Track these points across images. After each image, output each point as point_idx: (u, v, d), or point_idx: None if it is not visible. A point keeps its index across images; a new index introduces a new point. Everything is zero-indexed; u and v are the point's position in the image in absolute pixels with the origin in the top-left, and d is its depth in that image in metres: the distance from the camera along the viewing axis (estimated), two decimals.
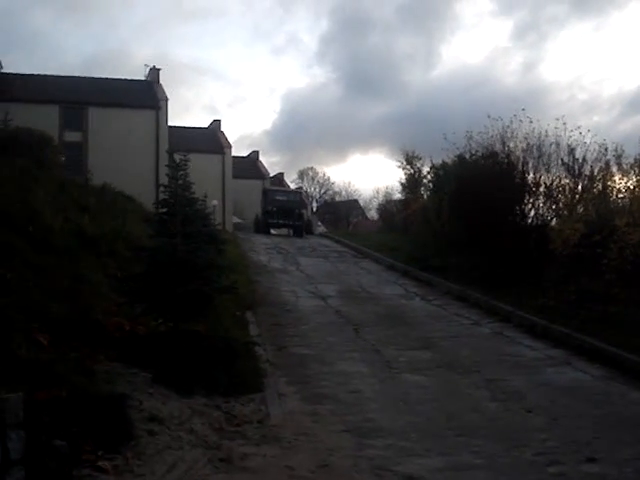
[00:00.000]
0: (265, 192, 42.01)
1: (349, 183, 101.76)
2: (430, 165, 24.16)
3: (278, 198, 39.82)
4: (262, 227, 37.92)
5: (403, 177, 31.61)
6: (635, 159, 16.26)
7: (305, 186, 74.37)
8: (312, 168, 73.78)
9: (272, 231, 38.47)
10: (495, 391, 8.30)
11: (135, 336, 8.78)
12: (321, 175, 74.77)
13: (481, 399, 8.02)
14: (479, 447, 6.46)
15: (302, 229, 37.80)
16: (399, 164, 31.56)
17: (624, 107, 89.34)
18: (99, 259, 11.91)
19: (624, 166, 16.43)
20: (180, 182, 9.46)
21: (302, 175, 73.36)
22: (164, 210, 9.85)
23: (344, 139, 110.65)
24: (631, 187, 14.94)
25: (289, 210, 37.94)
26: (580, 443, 6.56)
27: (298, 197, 42.80)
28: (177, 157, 9.58)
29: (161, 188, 10.08)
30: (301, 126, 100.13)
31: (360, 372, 9.14)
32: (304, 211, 40.86)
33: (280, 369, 9.10)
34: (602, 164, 16.59)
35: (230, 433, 6.58)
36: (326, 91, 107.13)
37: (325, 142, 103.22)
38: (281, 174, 63.29)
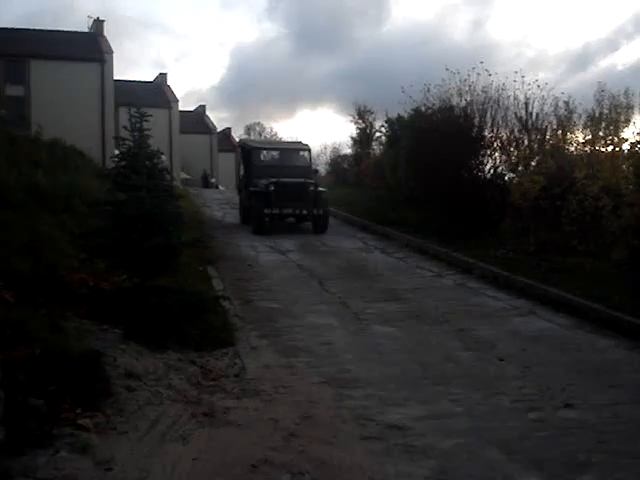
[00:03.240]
0: (248, 151, 20.91)
1: (296, 138, 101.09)
2: (385, 119, 24.03)
3: (273, 163, 20.28)
4: (256, 222, 18.31)
5: (354, 132, 31.38)
6: (588, 114, 16.53)
7: None
8: (259, 123, 72.96)
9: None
10: (466, 341, 8.39)
11: (101, 292, 8.59)
12: (268, 130, 74.06)
13: (453, 349, 8.09)
14: (457, 395, 6.53)
15: (325, 220, 18.83)
16: (351, 118, 31.30)
17: (569, 65, 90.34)
18: (56, 215, 11.60)
19: (575, 120, 16.70)
20: (138, 135, 9.21)
21: (249, 130, 72.47)
22: (123, 164, 9.60)
23: (293, 95, 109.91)
24: (587, 140, 15.12)
25: (298, 187, 18.63)
26: (555, 390, 6.67)
27: (306, 157, 21.04)
28: (129, 111, 9.25)
29: (120, 141, 9.78)
30: (250, 82, 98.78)
31: (330, 324, 9.13)
32: (320, 188, 19.65)
33: (250, 323, 9.02)
34: (556, 118, 16.82)
35: (209, 387, 6.51)
36: (276, 46, 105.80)
37: (274, 98, 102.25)
38: (228, 129, 62.45)
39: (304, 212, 18.26)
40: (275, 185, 18.00)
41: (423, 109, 18.65)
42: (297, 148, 21.24)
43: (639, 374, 7.30)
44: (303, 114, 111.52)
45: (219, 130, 57.14)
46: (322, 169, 42.68)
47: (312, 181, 18.94)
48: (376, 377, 7.07)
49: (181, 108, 44.17)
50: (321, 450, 5.27)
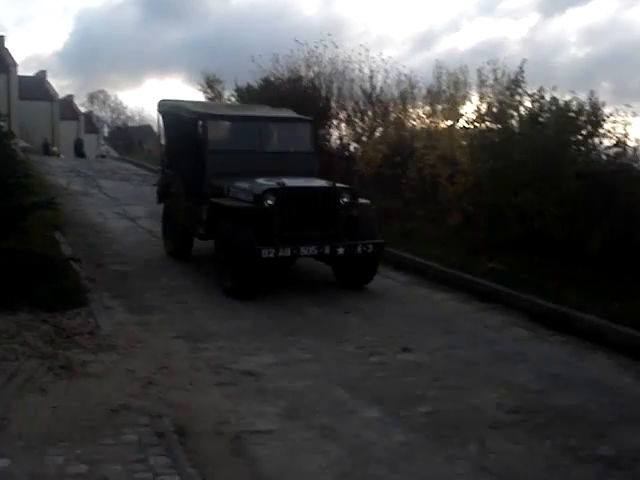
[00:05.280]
0: (194, 124, 10.14)
1: (142, 108, 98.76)
2: (235, 88, 24.07)
3: (247, 147, 10.14)
4: (241, 275, 8.52)
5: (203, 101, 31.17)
6: (428, 89, 17.47)
7: (95, 110, 71.37)
8: (103, 91, 70.80)
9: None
10: (315, 299, 8.85)
11: None
12: (113, 99, 71.99)
13: (302, 305, 8.51)
14: (305, 344, 6.99)
15: (374, 263, 9.30)
16: (199, 87, 30.99)
17: (415, 43, 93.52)
18: None
19: (417, 95, 17.60)
20: None
21: (92, 98, 70.33)
22: None
23: (140, 63, 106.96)
24: (427, 114, 16.00)
25: (322, 198, 9.01)
26: (394, 337, 7.29)
27: (307, 138, 10.67)
28: None
29: None
30: (95, 48, 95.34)
31: (182, 285, 9.33)
32: (362, 200, 9.58)
33: (102, 285, 9.02)
34: (399, 92, 17.64)
35: (63, 344, 6.55)
36: (123, 13, 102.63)
37: (120, 66, 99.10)
38: (70, 96, 60.16)
39: (338, 249, 8.77)
40: (278, 195, 8.72)
41: (272, 79, 18.95)
42: (291, 119, 11.25)
43: (469, 322, 8.05)
44: (151, 83, 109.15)
45: (61, 97, 54.88)
46: None
47: (342, 185, 9.40)
48: (229, 331, 7.39)
49: (21, 73, 42.09)
50: (178, 396, 5.53)
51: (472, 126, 12.47)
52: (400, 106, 17.37)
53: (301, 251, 8.64)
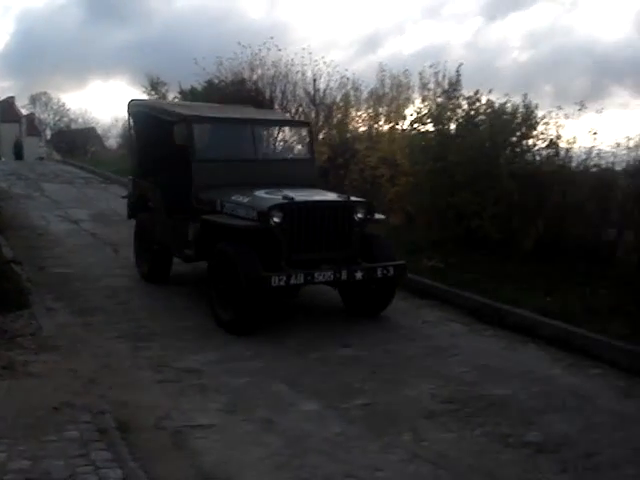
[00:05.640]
0: (168, 127, 8.72)
1: (86, 110, 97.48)
2: (179, 90, 24.04)
3: (240, 154, 9.02)
4: (243, 306, 7.20)
5: None
6: (370, 92, 17.74)
7: (38, 112, 70.25)
8: (45, 93, 69.59)
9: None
10: None
11: None
12: (56, 101, 70.89)
13: None
14: (248, 342, 7.13)
15: (393, 287, 8.18)
16: (144, 89, 30.84)
17: (361, 46, 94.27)
18: None
19: (360, 98, 17.86)
20: None
21: (34, 100, 69.00)
22: None
23: (84, 65, 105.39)
24: (370, 116, 16.25)
25: (336, 213, 7.77)
26: (334, 334, 7.52)
27: (304, 143, 9.66)
28: None
29: None
30: (37, 50, 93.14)
31: (126, 286, 9.37)
32: (378, 215, 8.32)
33: (44, 287, 9.01)
34: (342, 95, 17.87)
35: (5, 345, 6.54)
36: (66, 13, 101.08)
37: (64, 68, 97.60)
38: (11, 98, 59.23)
39: (356, 274, 7.61)
40: (286, 212, 7.48)
41: (216, 81, 19.03)
42: (288, 122, 10.96)
43: (407, 319, 8.30)
44: (95, 85, 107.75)
45: (1, 99, 53.93)
46: (114, 142, 40.78)
47: (356, 198, 8.40)
48: (172, 330, 7.49)
49: None
50: (120, 393, 5.62)
51: (412, 128, 12.74)
52: (343, 108, 17.62)
53: (315, 277, 7.34)
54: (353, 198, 8.12)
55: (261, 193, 7.90)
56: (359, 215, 7.84)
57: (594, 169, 10.35)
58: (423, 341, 7.41)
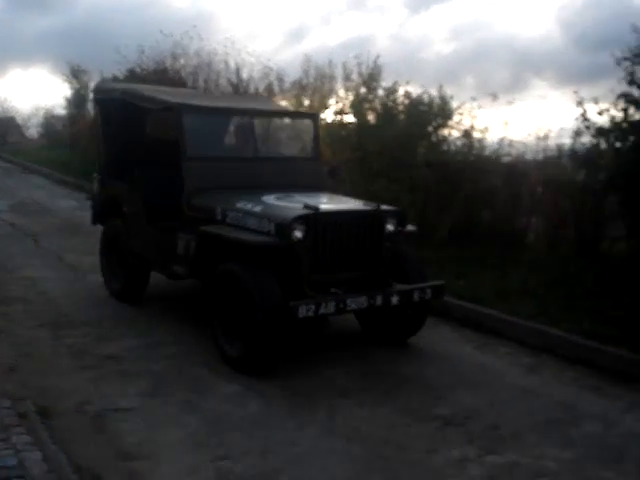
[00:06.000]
0: (177, 122, 6.85)
1: (5, 99, 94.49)
2: (101, 79, 23.68)
3: (238, 150, 7.90)
4: (262, 343, 5.79)
5: (69, 92, 30.35)
6: (294, 82, 17.89)
7: None
8: None
9: None
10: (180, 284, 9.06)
11: None
12: None
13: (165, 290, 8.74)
14: (171, 328, 7.25)
15: (426, 311, 7.01)
16: (64, 77, 30.21)
17: (286, 37, 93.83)
18: None
19: (283, 87, 17.99)
20: None
21: None
22: None
23: (2, 53, 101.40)
24: (293, 106, 16.39)
25: (365, 226, 6.34)
26: None
27: (308, 137, 7.96)
28: None
29: None
30: None
31: (46, 276, 9.30)
32: (410, 227, 6.83)
33: None
34: (266, 84, 17.97)
35: None
36: None
37: None
38: None
39: (391, 299, 6.25)
40: (310, 225, 6.00)
41: (138, 70, 18.86)
42: (292, 114, 9.26)
43: None
44: (14, 73, 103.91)
45: None
46: (34, 132, 39.71)
47: (387, 207, 6.66)
48: (93, 318, 7.52)
49: None
50: (41, 380, 5.68)
51: (334, 119, 12.95)
52: (270, 96, 17.69)
53: (348, 305, 5.93)
54: (383, 207, 6.56)
55: (271, 199, 6.49)
56: (390, 227, 6.52)
57: (506, 158, 10.82)
58: (340, 327, 7.65)
